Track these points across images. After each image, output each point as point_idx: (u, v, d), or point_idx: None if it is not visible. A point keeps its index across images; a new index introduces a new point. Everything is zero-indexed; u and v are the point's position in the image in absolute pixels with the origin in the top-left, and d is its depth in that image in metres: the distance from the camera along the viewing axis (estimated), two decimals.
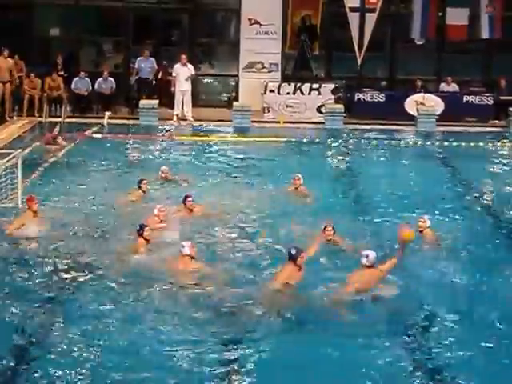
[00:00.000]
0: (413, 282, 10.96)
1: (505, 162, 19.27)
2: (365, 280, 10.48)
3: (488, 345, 9.35)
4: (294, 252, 10.62)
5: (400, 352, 9.20)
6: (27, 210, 13.00)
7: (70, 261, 11.72)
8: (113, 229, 13.11)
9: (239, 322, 9.88)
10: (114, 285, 10.89)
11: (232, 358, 9.03)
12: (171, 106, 23.11)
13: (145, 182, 14.78)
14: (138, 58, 23.58)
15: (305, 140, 20.79)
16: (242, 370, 8.81)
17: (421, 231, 12.45)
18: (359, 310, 10.17)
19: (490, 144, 20.86)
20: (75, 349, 9.10)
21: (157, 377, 8.61)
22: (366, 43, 23.11)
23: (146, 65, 23.48)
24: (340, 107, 22.89)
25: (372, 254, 10.58)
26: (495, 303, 10.50)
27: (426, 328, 9.88)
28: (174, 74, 23.04)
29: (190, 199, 13.62)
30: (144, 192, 14.67)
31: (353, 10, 23.14)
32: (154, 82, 23.66)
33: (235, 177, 16.95)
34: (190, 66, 23.04)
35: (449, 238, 12.82)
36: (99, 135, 20.75)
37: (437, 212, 14.16)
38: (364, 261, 10.54)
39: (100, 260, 11.71)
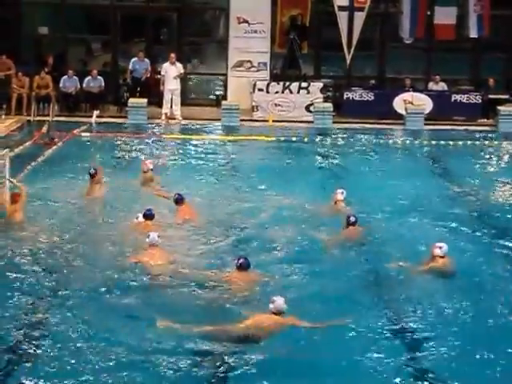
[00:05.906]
0: None
1: (493, 160, 19.34)
2: None
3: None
4: None
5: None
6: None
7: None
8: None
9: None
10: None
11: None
12: (160, 104, 23.08)
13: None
14: (133, 59, 23.46)
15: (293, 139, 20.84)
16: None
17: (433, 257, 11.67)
18: None
19: (478, 142, 20.93)
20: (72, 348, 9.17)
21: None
22: (354, 42, 23.11)
23: (140, 66, 23.41)
24: (329, 106, 22.91)
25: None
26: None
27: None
28: (162, 73, 23.01)
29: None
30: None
31: (341, 8, 23.12)
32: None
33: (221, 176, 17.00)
34: (179, 65, 23.03)
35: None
36: (87, 134, 20.72)
37: (423, 211, 14.34)
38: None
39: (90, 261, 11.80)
